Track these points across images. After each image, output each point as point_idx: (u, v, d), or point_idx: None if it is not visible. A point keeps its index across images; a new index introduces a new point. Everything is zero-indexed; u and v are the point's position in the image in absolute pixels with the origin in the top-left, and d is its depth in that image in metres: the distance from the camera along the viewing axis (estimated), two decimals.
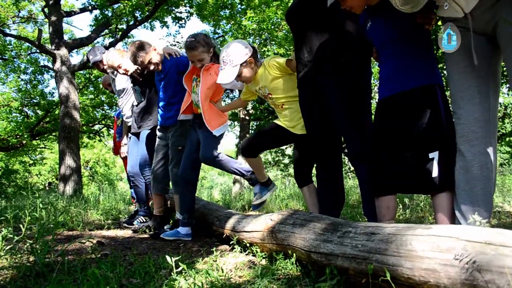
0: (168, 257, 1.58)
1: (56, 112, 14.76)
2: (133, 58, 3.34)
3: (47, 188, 24.50)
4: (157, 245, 2.89)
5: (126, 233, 3.54)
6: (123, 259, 2.28)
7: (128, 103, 4.24)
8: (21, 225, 2.19)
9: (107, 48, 11.70)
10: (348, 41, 2.18)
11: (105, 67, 4.24)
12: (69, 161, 10.36)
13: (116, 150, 5.33)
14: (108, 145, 23.07)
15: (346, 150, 2.38)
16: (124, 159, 5.20)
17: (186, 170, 3.14)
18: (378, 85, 2.13)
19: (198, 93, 3.03)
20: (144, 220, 3.95)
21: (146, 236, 3.34)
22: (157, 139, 3.55)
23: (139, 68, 3.50)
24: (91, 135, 17.85)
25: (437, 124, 1.74)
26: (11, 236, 2.09)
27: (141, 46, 3.36)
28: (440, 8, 1.68)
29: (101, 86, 4.79)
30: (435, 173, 1.70)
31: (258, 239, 2.20)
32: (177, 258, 1.63)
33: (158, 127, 3.55)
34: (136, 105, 3.97)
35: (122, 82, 4.20)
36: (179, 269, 1.61)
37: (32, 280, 1.73)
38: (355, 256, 1.39)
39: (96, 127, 17.54)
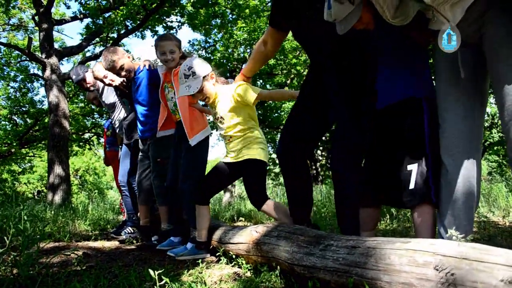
0: (151, 270, 1.57)
1: (46, 121, 14.64)
2: (104, 62, 3.38)
3: (35, 196, 24.23)
4: (143, 256, 2.88)
5: (113, 244, 3.51)
6: (108, 271, 2.27)
7: (120, 117, 4.23)
8: (5, 237, 2.16)
9: (97, 57, 11.69)
10: (351, 42, 2.11)
11: (88, 85, 4.22)
12: (58, 170, 10.27)
13: (107, 160, 5.31)
14: (98, 153, 22.93)
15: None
16: (114, 169, 5.19)
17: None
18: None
19: (171, 99, 3.05)
20: (132, 231, 3.93)
21: (133, 247, 3.33)
22: (140, 151, 3.56)
23: (124, 80, 3.51)
24: (81, 143, 17.72)
25: (418, 137, 1.75)
26: None
27: (114, 51, 3.40)
28: (430, 21, 1.71)
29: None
30: (411, 185, 1.71)
31: (244, 251, 2.20)
32: (160, 271, 1.63)
33: (139, 139, 3.56)
34: (124, 118, 3.97)
35: (111, 96, 4.20)
36: (162, 282, 1.60)
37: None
38: (336, 269, 1.41)
39: (86, 135, 17.42)
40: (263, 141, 2.73)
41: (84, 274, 2.06)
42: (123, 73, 3.41)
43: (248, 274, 2.09)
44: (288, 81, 14.35)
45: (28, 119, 15.29)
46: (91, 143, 18.18)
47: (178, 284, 1.79)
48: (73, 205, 10.17)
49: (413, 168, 1.71)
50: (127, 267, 2.44)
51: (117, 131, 4.41)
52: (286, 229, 1.92)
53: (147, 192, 3.53)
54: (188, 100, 2.94)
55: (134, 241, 3.53)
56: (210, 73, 2.64)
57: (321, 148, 21.95)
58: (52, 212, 6.62)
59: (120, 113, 4.24)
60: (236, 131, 2.66)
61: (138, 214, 4.07)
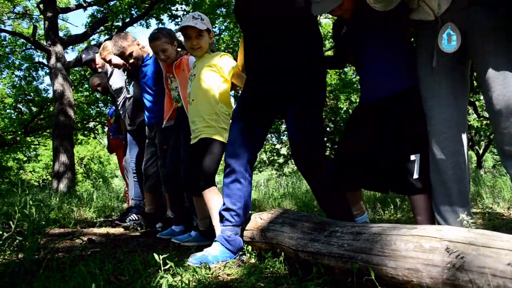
0: (156, 255, 1.57)
1: (51, 109, 14.69)
2: (114, 47, 3.38)
3: (41, 185, 24.39)
4: (148, 242, 2.89)
5: (118, 230, 3.53)
6: (112, 257, 2.28)
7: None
8: (10, 222, 2.18)
9: (100, 46, 11.67)
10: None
11: (97, 66, 4.24)
12: (63, 158, 10.32)
13: (110, 148, 5.32)
14: (103, 142, 23.01)
15: None
16: (118, 157, 5.21)
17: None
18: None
19: (175, 89, 3.06)
20: (136, 218, 3.95)
21: (137, 234, 3.34)
22: (146, 138, 3.57)
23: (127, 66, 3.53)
24: (85, 132, 17.79)
25: (420, 126, 1.75)
26: (0, 232, 2.08)
27: (124, 37, 3.40)
28: (413, 11, 1.70)
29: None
30: (416, 175, 1.73)
31: (248, 238, 2.20)
32: (165, 255, 1.63)
33: (146, 125, 3.56)
34: (129, 99, 3.98)
35: (118, 81, 4.19)
36: (167, 266, 1.61)
37: (20, 277, 1.73)
38: (341, 255, 1.40)
39: (91, 124, 17.48)
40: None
41: (89, 259, 2.07)
42: (131, 60, 3.41)
43: (252, 260, 2.10)
44: None
45: (33, 108, 15.34)
46: (96, 132, 18.24)
47: (183, 268, 1.80)
48: (78, 193, 10.26)
49: (416, 157, 1.72)
50: (132, 253, 2.46)
51: (122, 117, 4.41)
52: (291, 216, 1.92)
53: (153, 179, 3.53)
54: None
55: (139, 228, 3.55)
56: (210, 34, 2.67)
57: (325, 138, 21.95)
58: (58, 200, 6.67)
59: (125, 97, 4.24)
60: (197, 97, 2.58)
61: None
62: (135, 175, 4.04)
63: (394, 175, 1.86)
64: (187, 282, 1.52)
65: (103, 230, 3.53)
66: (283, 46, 2.02)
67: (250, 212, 2.39)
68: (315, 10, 1.82)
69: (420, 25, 1.72)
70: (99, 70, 4.30)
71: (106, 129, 17.46)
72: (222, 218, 2.23)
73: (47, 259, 2.04)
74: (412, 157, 1.74)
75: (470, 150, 21.43)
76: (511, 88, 1.38)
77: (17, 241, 2.14)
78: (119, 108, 4.34)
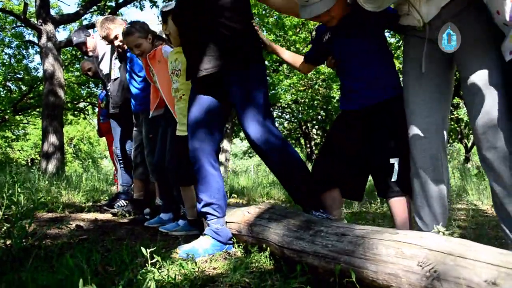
0: (143, 249, 1.59)
1: (41, 88, 14.53)
2: (100, 28, 3.39)
3: (29, 163, 24.20)
4: (136, 230, 2.91)
5: (106, 216, 3.55)
6: (100, 245, 2.30)
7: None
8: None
9: (94, 25, 11.51)
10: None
11: (88, 49, 4.20)
12: (52, 139, 10.25)
13: (101, 132, 5.30)
14: (93, 123, 22.83)
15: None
16: (108, 141, 5.20)
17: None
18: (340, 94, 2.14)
19: (156, 81, 3.04)
20: (125, 204, 3.97)
21: (126, 220, 3.36)
22: (134, 126, 3.57)
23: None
24: (75, 112, 17.64)
25: (401, 131, 1.79)
26: None
27: (111, 19, 3.39)
28: (402, 16, 1.73)
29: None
30: (394, 177, 1.78)
31: (235, 231, 2.23)
32: (152, 249, 1.65)
33: (133, 113, 3.56)
34: (115, 80, 3.95)
35: (109, 64, 4.15)
36: (154, 260, 1.63)
37: (8, 266, 1.74)
38: (325, 256, 1.44)
39: (81, 104, 17.32)
40: None
41: (77, 248, 2.09)
42: (117, 43, 3.41)
43: (239, 253, 2.13)
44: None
45: (22, 86, 15.14)
46: (86, 112, 18.09)
47: (169, 261, 1.83)
48: (66, 174, 10.23)
49: (395, 161, 1.78)
50: (120, 241, 2.48)
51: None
52: (278, 212, 1.95)
53: (142, 167, 3.54)
54: (170, 85, 2.85)
55: (127, 214, 3.57)
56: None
57: (316, 127, 22.03)
58: (46, 182, 6.64)
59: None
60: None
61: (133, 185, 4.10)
62: (121, 160, 4.04)
63: (376, 178, 1.92)
64: (173, 276, 1.54)
65: (91, 215, 3.54)
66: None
67: (237, 202, 2.42)
68: (303, 14, 1.83)
69: (408, 30, 1.73)
70: (90, 53, 4.26)
71: (97, 110, 17.37)
72: (205, 214, 2.25)
73: (35, 246, 2.05)
74: (392, 161, 1.80)
75: (458, 143, 21.67)
76: (493, 96, 1.41)
77: (5, 227, 2.14)
78: (109, 93, 4.31)
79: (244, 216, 2.15)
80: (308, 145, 22.66)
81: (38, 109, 16.24)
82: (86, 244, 2.29)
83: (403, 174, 1.78)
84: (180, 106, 2.62)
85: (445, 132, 1.66)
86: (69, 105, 15.98)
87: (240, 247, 2.19)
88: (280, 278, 1.61)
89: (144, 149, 3.38)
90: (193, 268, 1.68)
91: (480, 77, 1.45)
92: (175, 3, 2.39)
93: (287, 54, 2.40)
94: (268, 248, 1.86)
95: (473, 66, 1.49)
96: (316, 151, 23.65)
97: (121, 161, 4.05)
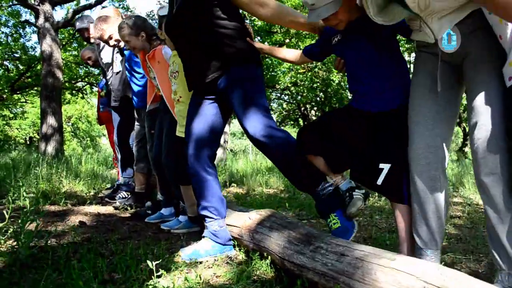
0: (149, 262, 1.65)
1: (38, 68, 14.42)
2: (94, 30, 3.42)
3: (27, 142, 24.22)
4: (138, 227, 2.98)
5: (108, 209, 3.60)
6: (105, 247, 2.36)
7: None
8: (4, 212, 2.23)
9: (91, 6, 11.38)
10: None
11: (90, 36, 4.20)
12: (51, 120, 10.26)
13: (100, 120, 5.32)
14: (91, 102, 22.75)
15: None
16: (108, 130, 5.22)
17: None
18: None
19: (154, 79, 3.06)
20: (126, 196, 4.03)
21: (127, 215, 3.42)
22: (136, 121, 3.60)
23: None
24: (73, 92, 17.55)
25: (398, 142, 1.81)
26: None
27: (105, 19, 3.38)
28: (414, 31, 1.73)
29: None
30: (379, 181, 1.82)
31: (236, 234, 2.29)
32: (157, 262, 1.70)
33: (134, 108, 3.58)
34: (117, 73, 3.96)
35: (110, 55, 4.14)
36: (159, 273, 1.69)
37: (18, 273, 1.80)
38: (324, 273, 1.49)
39: (79, 84, 17.23)
40: None
41: (82, 251, 2.15)
42: (112, 43, 3.42)
43: (240, 257, 2.19)
44: (287, 40, 14.12)
45: (20, 65, 15.00)
46: (84, 92, 18.00)
47: (174, 267, 1.89)
48: (66, 157, 10.29)
49: (385, 167, 1.80)
50: (123, 240, 2.54)
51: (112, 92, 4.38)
52: (279, 221, 2.00)
53: (144, 161, 3.58)
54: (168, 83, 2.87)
55: (128, 208, 3.62)
56: None
57: (315, 108, 22.00)
58: (45, 168, 6.68)
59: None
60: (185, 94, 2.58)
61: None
62: (120, 149, 4.08)
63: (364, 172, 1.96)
64: None
65: (93, 208, 3.60)
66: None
67: (237, 192, 2.47)
68: (311, 18, 1.83)
69: (420, 46, 1.73)
70: (92, 40, 4.25)
71: (94, 89, 17.24)
72: (203, 217, 2.31)
73: (41, 248, 2.11)
74: (381, 166, 1.82)
75: (457, 126, 21.70)
76: (495, 122, 1.42)
77: (11, 230, 2.19)
78: (109, 83, 4.31)
79: (246, 221, 2.21)
80: (303, 123, 22.70)
81: (36, 88, 16.15)
82: (90, 245, 2.35)
83: (392, 180, 1.80)
84: (179, 108, 2.64)
85: (447, 151, 1.68)
86: (67, 84, 15.89)
87: (242, 250, 2.26)
88: None
89: (147, 143, 3.40)
90: (198, 282, 1.73)
91: (484, 102, 1.46)
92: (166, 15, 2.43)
93: (284, 52, 2.41)
94: (269, 257, 1.92)
95: (478, 89, 1.49)
96: None
97: (120, 149, 4.08)
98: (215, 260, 2.15)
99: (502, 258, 1.42)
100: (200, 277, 1.75)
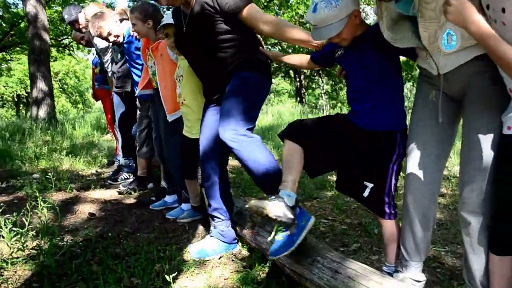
0: (167, 276, 1.86)
1: (22, 25, 14.04)
2: (92, 28, 3.45)
3: (15, 99, 23.94)
4: (145, 216, 3.18)
5: (113, 194, 3.79)
6: (118, 243, 2.57)
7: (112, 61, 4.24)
8: (24, 218, 2.41)
9: None
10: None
11: (81, 26, 4.19)
12: (40, 85, 10.20)
13: (96, 96, 5.37)
14: (78, 57, 22.31)
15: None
16: (105, 107, 5.30)
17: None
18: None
19: (151, 68, 3.18)
20: (128, 177, 4.23)
21: (132, 201, 3.61)
22: (138, 110, 3.70)
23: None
24: (60, 48, 17.18)
25: (385, 164, 1.89)
26: (18, 229, 2.32)
27: (101, 16, 3.41)
28: (420, 58, 1.76)
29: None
30: (365, 194, 1.92)
31: (240, 231, 2.52)
32: (174, 274, 1.92)
33: (137, 98, 3.68)
34: (116, 63, 4.02)
35: (104, 41, 4.15)
36: (170, 279, 1.91)
37: (46, 283, 2.01)
38: (321, 286, 1.73)
39: (66, 41, 16.83)
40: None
41: (98, 248, 2.37)
42: (112, 39, 3.49)
43: (244, 252, 2.43)
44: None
45: (3, 23, 14.54)
46: (71, 48, 17.63)
47: (185, 267, 2.13)
48: (59, 120, 10.34)
49: (369, 185, 1.91)
50: (133, 235, 2.76)
51: (109, 74, 4.44)
52: None
53: (147, 147, 3.74)
54: (168, 75, 2.95)
55: (132, 192, 3.82)
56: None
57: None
58: (41, 139, 6.79)
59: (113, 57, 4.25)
60: (191, 96, 2.70)
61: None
62: (122, 135, 4.21)
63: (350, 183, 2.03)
64: None
65: (99, 194, 3.79)
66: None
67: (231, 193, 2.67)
68: (314, 36, 1.85)
69: (423, 74, 1.80)
70: (83, 30, 4.24)
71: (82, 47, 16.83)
72: (213, 217, 2.51)
73: (62, 253, 2.32)
74: (366, 183, 1.92)
75: None
76: (485, 167, 1.51)
77: (32, 235, 2.39)
78: (105, 66, 4.36)
79: (248, 223, 2.42)
80: (298, 79, 22.64)
81: (21, 46, 15.79)
82: (104, 242, 2.57)
83: (373, 197, 1.91)
84: (183, 110, 2.76)
85: (439, 183, 1.80)
86: (53, 41, 15.50)
87: (244, 247, 2.49)
88: None
89: (153, 132, 3.52)
90: (209, 286, 1.97)
91: (478, 146, 1.54)
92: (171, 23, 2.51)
93: (294, 58, 2.47)
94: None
95: (475, 132, 1.56)
96: (305, 84, 23.65)
97: (122, 135, 4.21)
98: (221, 257, 2.39)
99: (472, 281, 1.62)
100: (210, 283, 1.98)
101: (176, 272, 2.12)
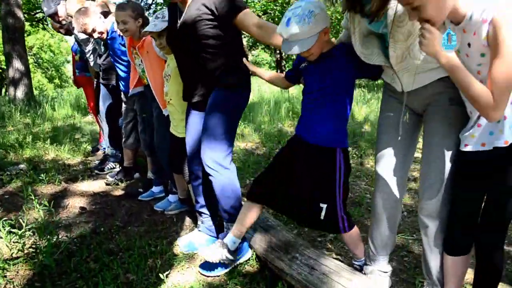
0: (161, 275, 2.06)
1: None
2: (76, 25, 3.50)
3: None
4: (134, 209, 3.35)
5: (101, 185, 3.92)
6: (110, 238, 2.75)
7: (94, 52, 4.28)
8: (21, 220, 2.55)
9: None
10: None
11: (60, 19, 4.19)
12: (17, 64, 10.02)
13: (77, 83, 5.39)
14: (52, 31, 21.63)
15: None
16: (87, 94, 5.34)
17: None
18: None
19: (139, 66, 3.25)
20: (114, 166, 4.37)
21: (121, 192, 3.76)
22: (124, 103, 3.80)
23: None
24: (33, 23, 16.69)
25: (331, 182, 2.00)
26: (16, 231, 2.47)
27: (84, 12, 3.45)
28: (386, 73, 1.91)
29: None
30: (322, 216, 2.00)
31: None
32: (161, 267, 2.11)
33: (122, 92, 3.77)
34: (100, 56, 4.07)
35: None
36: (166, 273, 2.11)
37: (49, 282, 2.18)
38: (299, 281, 1.95)
39: (39, 15, 16.33)
40: None
41: (93, 244, 2.54)
42: (96, 35, 3.54)
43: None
44: None
45: None
46: (45, 22, 17.13)
47: (176, 261, 2.33)
48: (37, 101, 10.23)
49: (323, 206, 2.01)
50: (124, 229, 2.94)
51: (91, 64, 4.48)
52: (261, 224, 2.41)
53: (132, 138, 3.86)
54: (157, 72, 3.01)
55: (119, 183, 3.96)
56: None
57: None
58: (21, 122, 6.79)
59: (94, 47, 4.29)
60: (175, 97, 2.77)
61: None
62: (109, 126, 4.31)
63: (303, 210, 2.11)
64: None
65: (87, 185, 3.91)
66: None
67: None
68: (284, 49, 1.94)
69: (388, 89, 1.96)
70: (63, 22, 4.25)
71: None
72: (200, 213, 2.70)
73: (60, 251, 2.48)
74: (321, 205, 2.01)
75: None
76: (442, 178, 1.70)
77: (30, 236, 2.54)
78: (87, 55, 4.39)
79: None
80: (278, 50, 22.57)
81: None
82: (98, 237, 2.74)
83: (330, 215, 2.00)
84: (169, 109, 2.88)
85: (405, 182, 2.00)
86: (26, 16, 15.03)
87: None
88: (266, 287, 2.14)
89: (139, 126, 3.63)
90: (199, 280, 2.17)
91: (437, 160, 1.72)
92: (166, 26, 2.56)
93: (267, 75, 2.50)
94: (255, 253, 2.37)
95: (433, 147, 1.74)
96: (285, 56, 23.63)
97: (109, 126, 4.31)
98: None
99: (429, 275, 1.87)
100: (199, 277, 2.19)
101: (168, 267, 2.32)
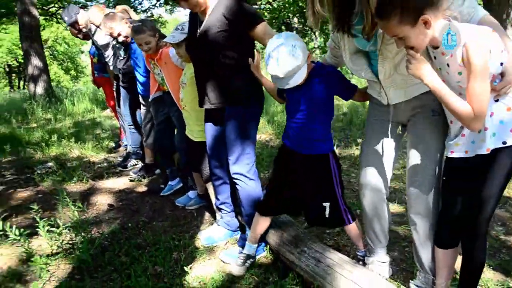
0: (185, 267, 2.34)
1: None
2: (104, 28, 3.81)
3: (6, 69, 23.76)
4: (157, 205, 3.64)
5: (125, 182, 4.23)
6: (138, 234, 3.04)
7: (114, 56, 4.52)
8: (58, 219, 2.85)
9: None
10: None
11: (81, 27, 4.44)
12: (35, 61, 10.39)
13: (97, 84, 5.66)
14: (64, 23, 21.94)
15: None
16: (106, 93, 5.62)
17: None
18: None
19: (158, 74, 3.48)
20: (136, 163, 4.67)
21: (144, 188, 4.06)
22: (141, 105, 4.08)
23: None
24: (47, 17, 16.99)
25: (329, 184, 2.23)
26: (55, 229, 2.77)
27: (112, 17, 3.71)
28: (370, 87, 2.11)
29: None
30: (327, 215, 2.25)
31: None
32: (185, 260, 2.39)
33: (140, 95, 4.04)
34: (120, 60, 4.31)
35: (104, 37, 4.41)
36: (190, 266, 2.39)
37: (87, 275, 2.48)
38: (307, 272, 2.21)
39: (53, 9, 16.63)
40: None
41: (122, 239, 2.83)
42: (121, 39, 3.79)
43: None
44: None
45: None
46: (59, 16, 17.40)
47: (198, 254, 2.60)
48: (57, 97, 10.59)
49: (327, 205, 2.25)
50: (149, 224, 3.23)
51: (110, 68, 4.72)
52: (275, 220, 2.64)
53: (152, 139, 4.13)
54: (176, 82, 3.20)
55: (142, 179, 4.26)
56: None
57: (297, 15, 21.67)
58: (43, 118, 7.13)
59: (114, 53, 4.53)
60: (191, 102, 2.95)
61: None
62: (131, 126, 4.59)
63: (310, 212, 2.37)
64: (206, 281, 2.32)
65: (112, 182, 4.22)
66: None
67: None
68: (280, 85, 2.12)
69: (373, 102, 2.15)
70: (83, 30, 4.49)
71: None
72: (219, 209, 2.96)
73: (95, 247, 2.77)
74: (324, 204, 2.26)
75: None
76: (429, 180, 1.90)
77: (68, 238, 2.85)
78: (107, 60, 4.63)
79: None
80: None
81: (7, 17, 15.65)
82: (126, 233, 3.03)
83: (334, 212, 2.25)
84: (185, 115, 3.13)
85: (388, 184, 2.17)
86: (39, 11, 15.33)
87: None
88: (277, 278, 2.39)
89: (156, 127, 3.89)
90: (218, 270, 2.45)
91: (421, 166, 1.92)
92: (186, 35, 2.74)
93: (268, 84, 2.57)
94: (268, 246, 2.63)
95: (418, 154, 1.93)
96: None
97: (131, 126, 4.59)
98: (227, 243, 2.87)
99: (422, 266, 2.10)
100: (219, 268, 2.47)
101: (191, 260, 2.60)
